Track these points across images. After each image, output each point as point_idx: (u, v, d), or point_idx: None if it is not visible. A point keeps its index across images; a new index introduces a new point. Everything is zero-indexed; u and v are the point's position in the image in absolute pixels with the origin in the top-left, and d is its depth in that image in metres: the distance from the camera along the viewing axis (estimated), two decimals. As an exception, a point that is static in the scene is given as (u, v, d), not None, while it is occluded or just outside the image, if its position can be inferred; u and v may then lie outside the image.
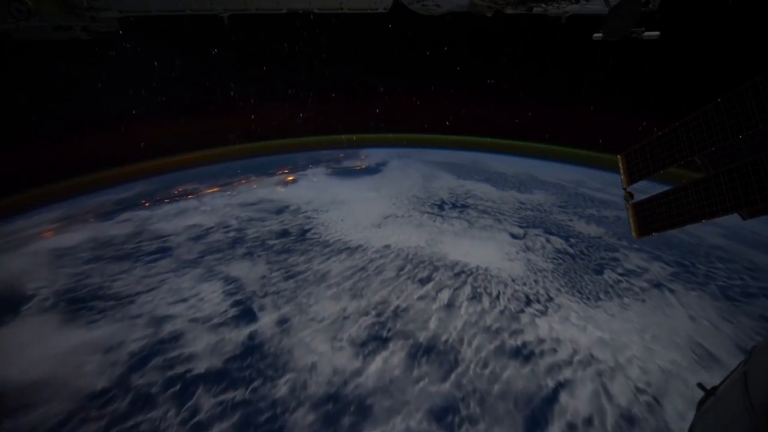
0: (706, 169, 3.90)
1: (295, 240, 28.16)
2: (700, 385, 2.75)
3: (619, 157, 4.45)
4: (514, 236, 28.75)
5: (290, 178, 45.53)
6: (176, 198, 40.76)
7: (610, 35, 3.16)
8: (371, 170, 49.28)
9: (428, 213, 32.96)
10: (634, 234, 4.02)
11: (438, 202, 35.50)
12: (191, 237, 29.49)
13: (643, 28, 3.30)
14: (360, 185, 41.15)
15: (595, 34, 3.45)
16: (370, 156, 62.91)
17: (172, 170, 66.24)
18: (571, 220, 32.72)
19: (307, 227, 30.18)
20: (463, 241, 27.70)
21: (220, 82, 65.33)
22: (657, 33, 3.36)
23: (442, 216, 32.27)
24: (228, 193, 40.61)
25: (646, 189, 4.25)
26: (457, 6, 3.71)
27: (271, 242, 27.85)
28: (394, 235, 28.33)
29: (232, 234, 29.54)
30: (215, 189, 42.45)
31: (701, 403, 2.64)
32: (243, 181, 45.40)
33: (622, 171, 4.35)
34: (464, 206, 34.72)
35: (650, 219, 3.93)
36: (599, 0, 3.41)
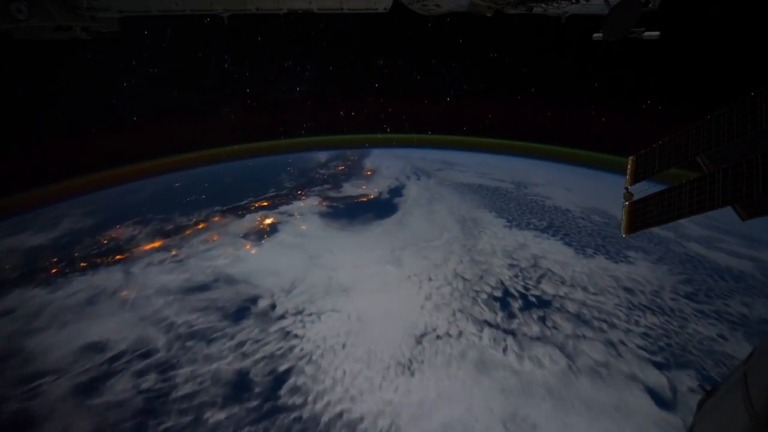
0: (708, 171, 3.75)
1: (257, 409, 15.20)
2: (701, 386, 2.72)
3: (630, 159, 4.47)
4: (658, 400, 15.79)
5: (268, 222, 31.93)
6: (97, 259, 27.53)
7: (610, 35, 3.15)
8: (383, 206, 35.57)
9: (489, 324, 19.73)
10: (623, 231, 3.98)
11: (498, 292, 22.22)
12: (76, 387, 16.56)
13: (643, 28, 3.30)
14: (370, 245, 27.64)
15: (596, 34, 3.39)
16: (379, 170, 48.89)
17: (135, 179, 53.74)
18: (723, 337, 19.70)
19: (282, 367, 17.09)
20: (573, 419, 14.79)
21: (208, 76, 53.08)
22: (657, 33, 3.35)
23: (513, 334, 19.07)
24: (172, 253, 27.23)
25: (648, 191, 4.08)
26: (457, 6, 3.63)
27: (212, 417, 14.90)
28: (441, 401, 15.37)
29: (147, 382, 16.52)
30: (156, 243, 29.03)
31: (701, 403, 2.62)
32: (200, 225, 31.88)
33: (628, 172, 4.36)
34: (543, 302, 21.52)
35: (642, 216, 3.90)
36: (599, 0, 3.41)
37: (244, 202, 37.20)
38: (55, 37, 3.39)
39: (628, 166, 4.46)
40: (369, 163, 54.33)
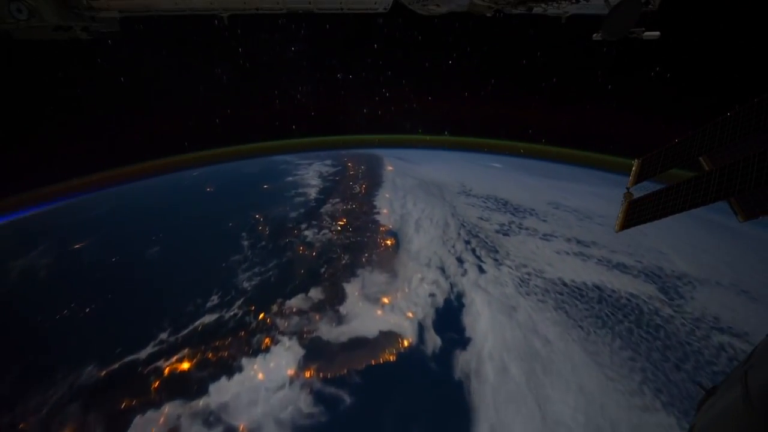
0: (708, 170, 3.80)
1: None
2: (701, 385, 2.71)
3: (635, 161, 4.54)
4: None
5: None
6: None
7: (610, 35, 3.19)
8: (432, 390, 18.63)
9: None
10: (616, 227, 3.98)
11: None
12: None
13: (643, 28, 3.33)
14: None
15: (595, 35, 3.42)
16: (405, 236, 31.71)
17: (48, 200, 39.37)
18: None
19: None
20: None
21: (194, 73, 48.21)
22: (657, 33, 3.39)
23: None
24: None
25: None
26: (457, 6, 3.73)
27: None
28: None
29: None
30: None
31: (701, 403, 2.60)
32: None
33: (632, 173, 4.41)
34: None
35: (638, 213, 3.90)
36: (599, 0, 3.44)
37: (148, 349, 19.64)
38: (55, 37, 3.52)
39: (633, 168, 4.56)
40: (385, 208, 37.96)
